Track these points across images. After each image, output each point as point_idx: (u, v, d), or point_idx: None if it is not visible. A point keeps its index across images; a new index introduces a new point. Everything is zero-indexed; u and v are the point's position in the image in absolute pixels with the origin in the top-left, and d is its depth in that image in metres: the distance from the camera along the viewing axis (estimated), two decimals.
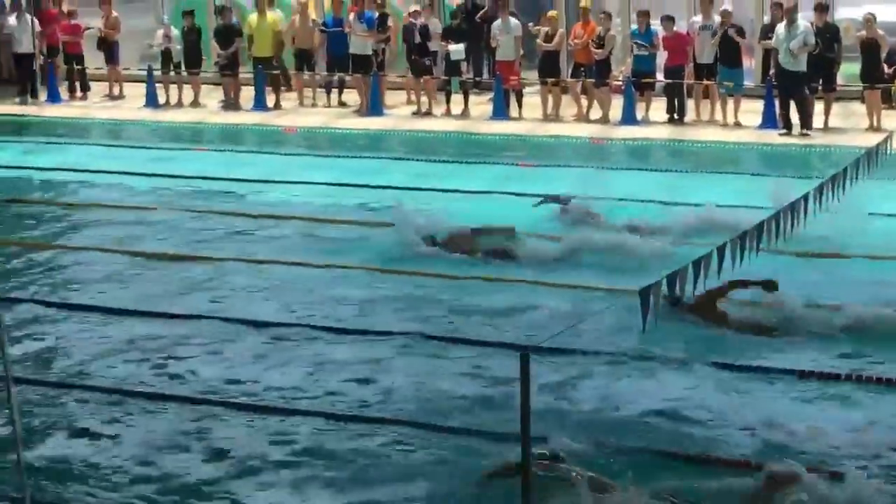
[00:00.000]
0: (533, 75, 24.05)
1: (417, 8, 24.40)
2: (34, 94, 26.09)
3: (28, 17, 25.68)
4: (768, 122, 21.81)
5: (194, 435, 9.82)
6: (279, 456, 9.34)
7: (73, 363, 11.55)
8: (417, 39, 24.01)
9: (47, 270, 14.64)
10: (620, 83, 23.15)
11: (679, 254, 13.16)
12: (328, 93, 25.36)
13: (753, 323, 11.86)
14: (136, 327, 12.48)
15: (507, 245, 14.45)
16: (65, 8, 26.82)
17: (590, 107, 23.37)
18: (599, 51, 22.75)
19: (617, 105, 22.89)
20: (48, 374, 11.29)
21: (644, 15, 22.70)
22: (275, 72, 25.20)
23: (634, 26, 23.13)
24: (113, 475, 9.16)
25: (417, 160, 20.42)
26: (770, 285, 11.89)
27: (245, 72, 25.46)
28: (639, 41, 22.63)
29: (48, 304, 13.24)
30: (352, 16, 24.43)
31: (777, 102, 21.68)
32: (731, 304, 12.06)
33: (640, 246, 14.18)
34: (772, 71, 21.69)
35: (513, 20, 23.53)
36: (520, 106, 23.71)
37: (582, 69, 23.24)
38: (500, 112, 23.38)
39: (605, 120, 22.93)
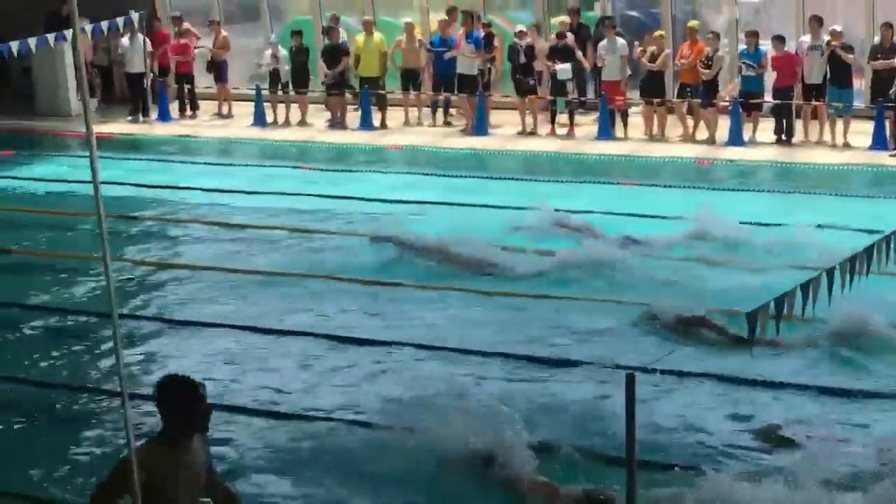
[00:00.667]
0: (637, 95, 23.94)
1: (523, 28, 24.41)
2: (145, 113, 26.49)
3: (140, 37, 26.10)
4: (878, 143, 21.50)
5: (298, 451, 9.94)
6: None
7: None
8: (522, 59, 24.03)
9: (157, 286, 14.87)
10: (727, 103, 22.97)
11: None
12: (434, 112, 25.47)
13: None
14: (244, 343, 12.67)
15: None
16: (182, 27, 27.15)
17: (696, 127, 23.21)
18: (707, 71, 22.60)
19: (723, 126, 22.71)
20: None
21: (753, 35, 22.52)
22: (381, 91, 25.36)
23: (742, 46, 22.95)
24: None
25: (521, 179, 20.43)
26: None
27: (352, 91, 25.67)
28: (747, 61, 22.42)
29: (160, 320, 13.48)
30: (459, 34, 24.55)
31: (888, 123, 21.39)
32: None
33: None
34: (893, 90, 21.35)
35: (619, 40, 23.47)
36: (625, 126, 23.62)
37: (688, 89, 23.09)
38: (606, 132, 23.31)
39: (711, 141, 22.75)
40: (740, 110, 22.49)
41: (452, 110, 25.48)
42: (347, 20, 27.64)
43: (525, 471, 9.05)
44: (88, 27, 25.17)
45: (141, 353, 12.43)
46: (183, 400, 6.41)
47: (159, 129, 25.90)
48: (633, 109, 24.06)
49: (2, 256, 16.23)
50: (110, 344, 12.25)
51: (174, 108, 27.07)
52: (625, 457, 6.30)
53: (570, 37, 24.14)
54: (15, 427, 10.75)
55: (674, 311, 12.57)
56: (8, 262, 16.07)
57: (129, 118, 26.52)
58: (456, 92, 24.82)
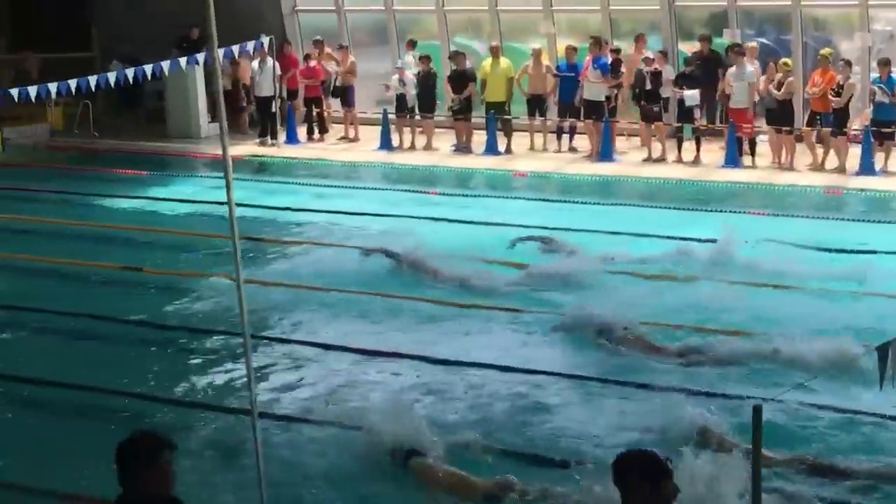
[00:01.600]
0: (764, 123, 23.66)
1: (650, 55, 24.26)
2: (274, 136, 26.82)
3: (270, 61, 26.46)
4: None
5: None
6: None
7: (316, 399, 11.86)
8: (648, 86, 23.89)
9: (284, 308, 14.98)
10: (858, 132, 22.58)
11: None
12: (559, 138, 25.42)
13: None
14: (375, 366, 12.79)
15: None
16: (324, 51, 27.44)
17: (825, 156, 22.85)
18: (837, 99, 22.25)
19: (854, 155, 22.33)
20: (294, 410, 11.58)
21: (886, 63, 22.12)
22: (507, 116, 25.39)
23: (875, 75, 22.56)
24: None
25: (646, 207, 20.29)
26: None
27: (477, 116, 25.74)
28: (882, 86, 21.99)
29: (289, 342, 13.60)
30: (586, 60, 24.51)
31: None
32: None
33: None
34: None
35: (748, 67, 23.19)
36: (752, 154, 23.34)
37: (818, 117, 22.76)
38: (733, 160, 23.05)
39: (841, 170, 22.39)
40: (872, 139, 22.10)
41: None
42: (471, 44, 27.83)
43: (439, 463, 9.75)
44: (220, 51, 25.68)
45: (268, 374, 12.55)
46: (650, 477, 5.81)
47: (286, 152, 26.18)
48: (760, 137, 23.78)
49: (132, 275, 16.53)
50: (239, 363, 12.42)
51: (302, 131, 27.36)
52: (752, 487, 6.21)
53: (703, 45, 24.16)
54: None
55: (591, 320, 13.32)
56: (139, 280, 16.37)
57: (258, 141, 26.85)
58: (582, 118, 24.76)
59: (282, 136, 26.86)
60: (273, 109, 26.83)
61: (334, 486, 9.80)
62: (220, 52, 25.54)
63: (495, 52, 25.47)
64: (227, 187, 7.17)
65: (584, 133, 24.96)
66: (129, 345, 13.85)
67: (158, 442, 6.04)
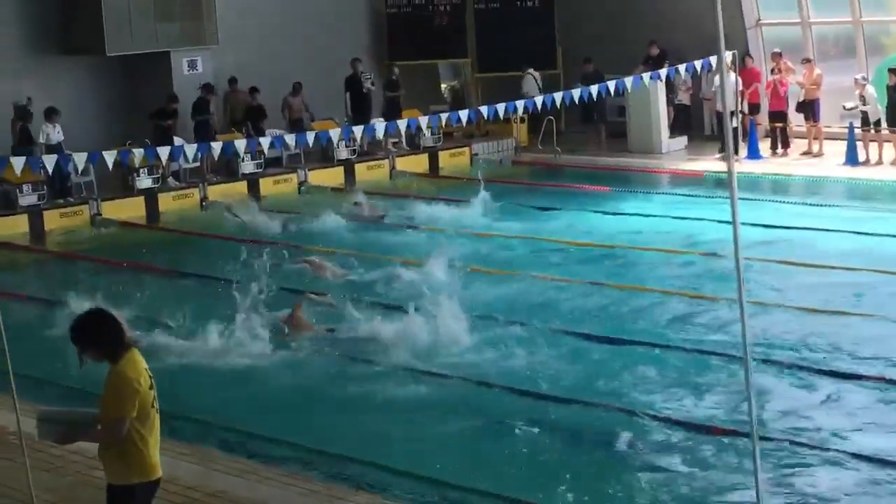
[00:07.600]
0: None
1: None
2: (735, 151, 26.51)
3: (732, 75, 26.26)
4: None
5: None
6: None
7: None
8: None
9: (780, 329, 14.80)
10: None
11: None
12: None
13: None
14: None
15: None
16: (781, 64, 26.97)
17: None
18: None
19: None
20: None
21: None
22: None
23: None
24: None
25: None
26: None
27: None
28: None
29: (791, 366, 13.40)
30: None
31: None
32: None
33: None
34: None
35: None
36: None
37: None
38: None
39: None
40: None
41: None
42: None
43: None
44: (682, 67, 25.72)
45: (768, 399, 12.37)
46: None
47: (748, 167, 25.76)
48: None
49: (597, 289, 16.85)
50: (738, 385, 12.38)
51: (764, 146, 26.93)
52: None
53: None
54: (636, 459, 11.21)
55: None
56: (607, 294, 16.69)
57: (718, 156, 26.63)
58: None
59: (743, 151, 26.54)
60: (734, 124, 26.55)
61: None
62: (682, 67, 25.69)
63: None
64: (733, 207, 7.14)
65: None
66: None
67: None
